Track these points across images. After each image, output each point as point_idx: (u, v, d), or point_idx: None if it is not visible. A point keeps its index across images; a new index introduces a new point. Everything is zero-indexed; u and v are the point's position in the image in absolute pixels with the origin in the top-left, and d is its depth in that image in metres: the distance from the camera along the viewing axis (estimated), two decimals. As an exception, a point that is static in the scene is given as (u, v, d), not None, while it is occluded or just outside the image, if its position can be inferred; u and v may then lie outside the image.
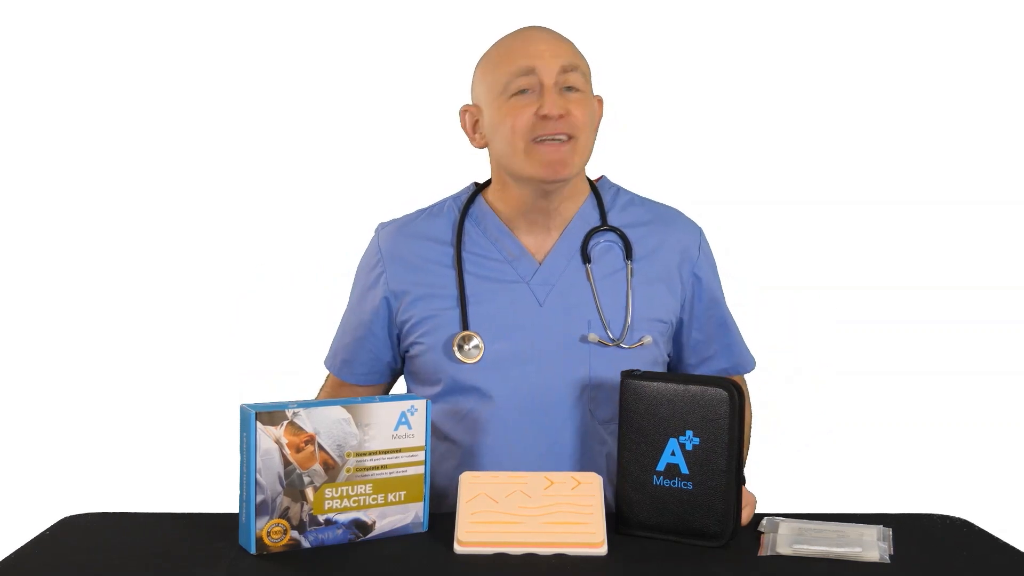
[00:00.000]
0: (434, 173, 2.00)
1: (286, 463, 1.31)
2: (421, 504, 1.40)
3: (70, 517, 1.48)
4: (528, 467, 1.54)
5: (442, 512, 1.48)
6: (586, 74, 1.61)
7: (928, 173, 2.75)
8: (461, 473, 1.43)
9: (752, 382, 1.78)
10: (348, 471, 1.35)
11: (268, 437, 1.29)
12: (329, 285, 1.99)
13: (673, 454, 1.36)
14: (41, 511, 1.60)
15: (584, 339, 1.58)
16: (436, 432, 1.62)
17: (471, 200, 1.68)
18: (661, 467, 1.37)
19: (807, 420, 2.67)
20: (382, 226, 1.72)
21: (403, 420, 1.38)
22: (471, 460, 1.59)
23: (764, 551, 1.33)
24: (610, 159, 1.81)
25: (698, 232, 1.71)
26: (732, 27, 2.74)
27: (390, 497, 1.38)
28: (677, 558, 1.31)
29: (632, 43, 2.70)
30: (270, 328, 2.69)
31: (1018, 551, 1.37)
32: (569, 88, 1.57)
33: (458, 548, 1.31)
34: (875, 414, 2.74)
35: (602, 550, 1.31)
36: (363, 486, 1.36)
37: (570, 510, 1.35)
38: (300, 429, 1.31)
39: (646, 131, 2.60)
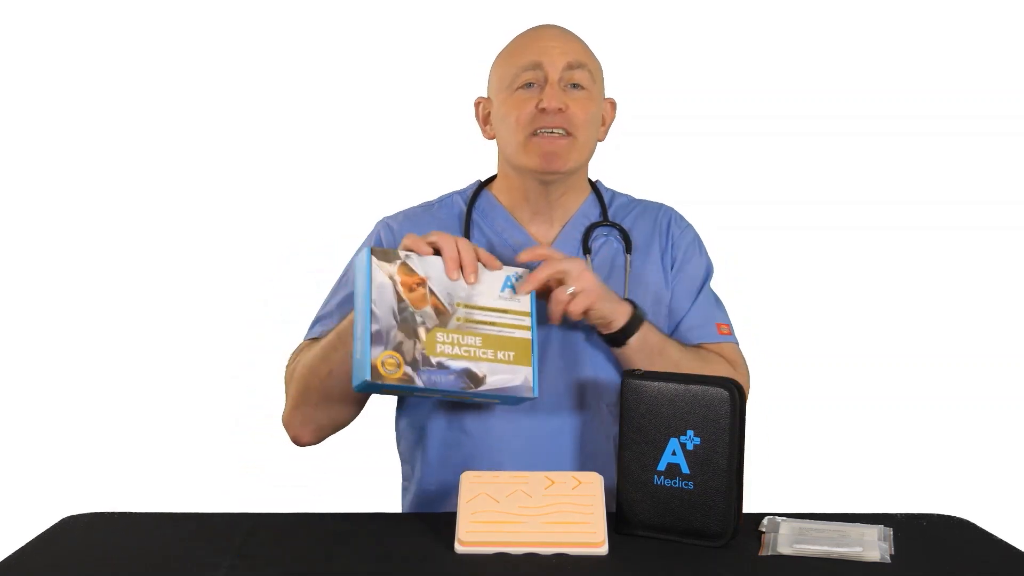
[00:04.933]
0: (434, 174, 2.01)
1: (399, 299, 1.33)
2: (530, 369, 1.41)
3: (70, 517, 1.47)
4: (535, 451, 1.57)
5: (446, 510, 1.48)
6: (594, 74, 1.64)
7: (932, 170, 2.76)
8: (471, 464, 1.43)
9: (754, 381, 1.78)
10: (458, 320, 1.37)
11: (383, 272, 1.32)
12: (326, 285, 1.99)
13: (674, 454, 1.36)
14: (41, 511, 1.60)
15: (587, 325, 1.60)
16: (444, 421, 1.63)
17: (477, 194, 1.72)
18: (662, 467, 1.37)
19: (806, 420, 2.67)
20: (386, 219, 1.74)
21: (508, 284, 1.41)
22: (479, 446, 1.61)
23: (765, 551, 1.33)
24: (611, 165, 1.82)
25: (671, 210, 1.75)
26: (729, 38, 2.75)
27: (499, 355, 1.39)
28: (677, 558, 1.31)
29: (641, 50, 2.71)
30: (269, 329, 2.69)
31: (1018, 551, 1.37)
32: (575, 85, 1.61)
33: (459, 548, 1.31)
34: (875, 414, 2.74)
35: (603, 550, 1.31)
36: (473, 337, 1.37)
37: (571, 510, 1.34)
38: (412, 271, 1.34)
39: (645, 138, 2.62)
